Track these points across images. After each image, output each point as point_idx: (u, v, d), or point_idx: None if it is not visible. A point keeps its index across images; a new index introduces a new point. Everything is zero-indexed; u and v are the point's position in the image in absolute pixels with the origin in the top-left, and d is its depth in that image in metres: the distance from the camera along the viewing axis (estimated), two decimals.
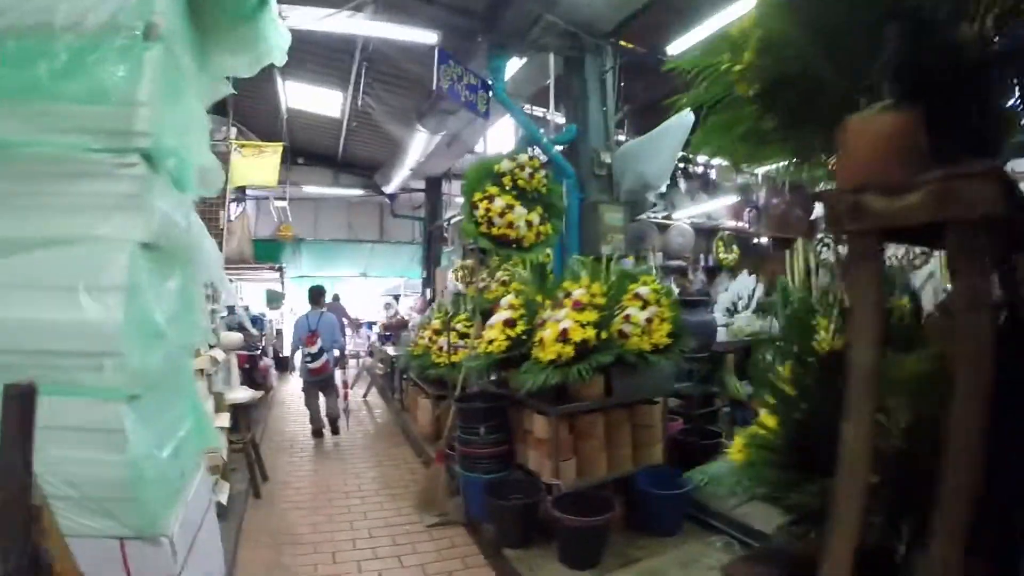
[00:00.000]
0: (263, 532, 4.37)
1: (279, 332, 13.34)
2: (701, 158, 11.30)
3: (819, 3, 1.44)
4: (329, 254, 16.03)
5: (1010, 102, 1.50)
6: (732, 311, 6.81)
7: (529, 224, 5.44)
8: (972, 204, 1.04)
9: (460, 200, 13.82)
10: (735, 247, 11.13)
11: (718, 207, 13.85)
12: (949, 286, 1.65)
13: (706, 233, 11.57)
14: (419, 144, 9.85)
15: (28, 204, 1.90)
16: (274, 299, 13.28)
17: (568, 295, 4.35)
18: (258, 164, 6.11)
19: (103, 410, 1.84)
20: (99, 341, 1.82)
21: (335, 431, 7.42)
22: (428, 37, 6.48)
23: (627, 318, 4.21)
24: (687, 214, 11.69)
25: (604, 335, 4.06)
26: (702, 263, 11.33)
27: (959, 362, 1.07)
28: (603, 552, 3.74)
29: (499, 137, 11.05)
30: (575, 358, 3.93)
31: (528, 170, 5.56)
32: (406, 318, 12.76)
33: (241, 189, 12.96)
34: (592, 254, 5.56)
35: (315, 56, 8.32)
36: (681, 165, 10.81)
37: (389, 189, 13.46)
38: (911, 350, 1.44)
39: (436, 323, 7.35)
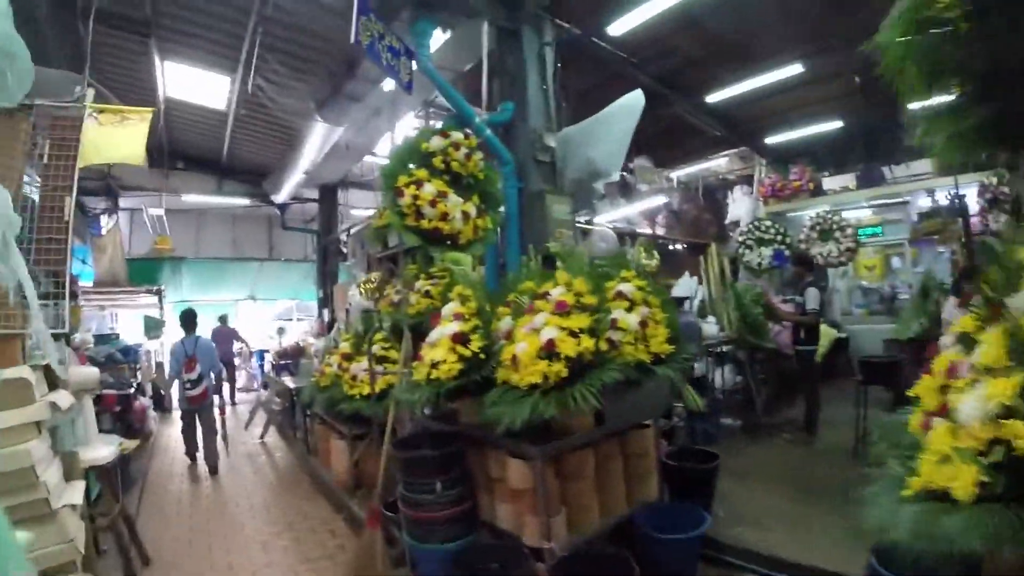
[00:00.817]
0: None
1: (159, 365, 11.41)
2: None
3: None
4: (213, 274, 14.35)
5: None
6: None
7: (466, 216, 4.48)
8: None
9: (357, 212, 12.79)
10: (655, 252, 10.58)
11: (634, 212, 13.45)
12: None
13: (628, 238, 10.95)
14: (316, 141, 8.61)
15: None
16: (153, 327, 11.46)
17: (540, 297, 3.34)
18: (120, 135, 4.70)
19: None
20: None
21: (214, 471, 6.84)
22: None
23: (613, 323, 3.25)
24: (607, 219, 11.04)
25: (602, 344, 3.08)
26: None
27: None
28: None
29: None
30: (568, 378, 2.91)
31: (464, 150, 4.58)
32: (302, 344, 11.28)
33: (112, 198, 11.18)
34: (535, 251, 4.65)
35: (201, 26, 6.97)
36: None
37: (280, 198, 12.00)
38: None
39: (345, 346, 6.12)
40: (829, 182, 11.38)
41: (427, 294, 5.58)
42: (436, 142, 4.45)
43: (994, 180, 7.54)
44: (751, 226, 9.81)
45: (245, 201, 12.89)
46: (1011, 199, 7.21)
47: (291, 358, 11.55)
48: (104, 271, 11.18)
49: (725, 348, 6.83)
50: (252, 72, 7.58)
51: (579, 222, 10.23)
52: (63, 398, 3.02)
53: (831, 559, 3.22)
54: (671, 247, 13.29)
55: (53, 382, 3.10)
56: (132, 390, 7.39)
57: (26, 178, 3.66)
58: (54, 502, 2.58)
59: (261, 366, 13.38)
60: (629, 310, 3.43)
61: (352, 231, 10.44)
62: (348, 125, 8.00)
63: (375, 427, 5.18)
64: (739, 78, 9.38)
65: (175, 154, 11.75)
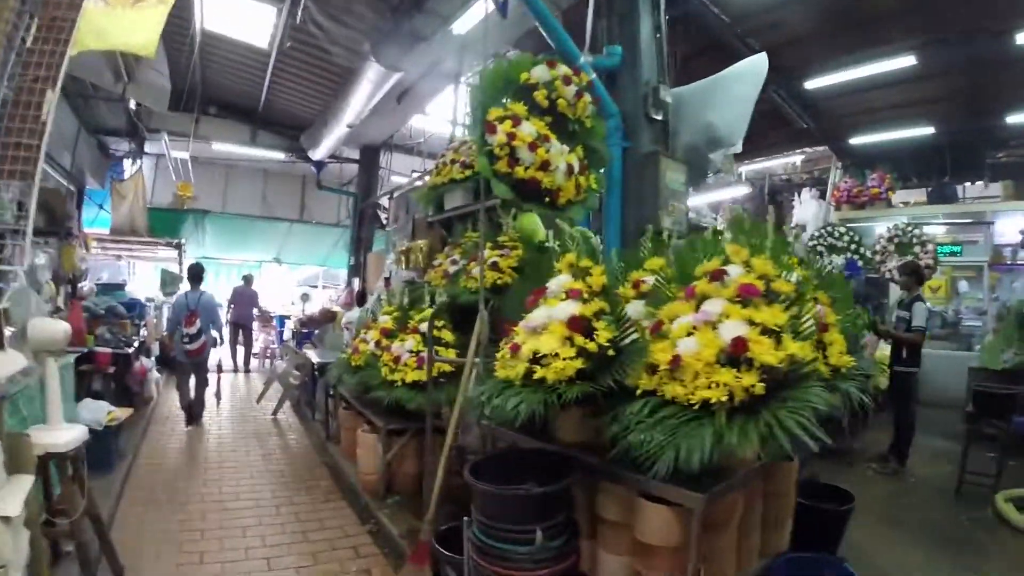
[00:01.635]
0: None
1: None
2: None
3: None
4: (239, 232, 13.42)
5: None
6: None
7: (569, 170, 3.53)
8: None
9: (398, 179, 11.83)
10: None
11: (701, 202, 12.45)
12: None
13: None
14: (365, 89, 7.64)
15: None
16: (170, 282, 10.61)
17: (716, 278, 2.38)
18: (132, 19, 3.76)
19: None
20: None
21: (190, 421, 6.88)
22: None
23: (823, 325, 2.26)
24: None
25: (804, 351, 2.11)
26: None
27: None
28: None
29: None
30: (761, 397, 1.94)
31: (573, 88, 3.58)
32: (334, 310, 10.37)
33: (139, 141, 10.30)
34: (640, 227, 3.79)
35: None
36: None
37: (317, 154, 11.04)
38: None
39: (386, 321, 5.18)
40: (897, 195, 10.40)
41: (494, 266, 4.63)
42: (540, 72, 3.50)
43: None
44: (823, 231, 8.94)
45: (280, 155, 11.94)
46: None
47: (316, 326, 10.70)
48: (122, 219, 10.44)
49: None
50: (302, 1, 6.60)
51: None
52: (13, 359, 2.08)
53: None
54: None
55: None
56: (131, 349, 6.46)
57: None
58: None
59: (280, 333, 12.48)
60: (788, 308, 2.45)
61: (396, 193, 9.45)
62: (406, 71, 7.01)
63: (418, 423, 4.23)
64: (844, 64, 8.29)
65: (208, 98, 10.84)
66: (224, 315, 10.62)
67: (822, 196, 12.04)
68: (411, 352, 4.52)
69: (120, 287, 8.67)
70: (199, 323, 6.67)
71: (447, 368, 4.41)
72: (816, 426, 1.88)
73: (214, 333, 7.13)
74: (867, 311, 6.14)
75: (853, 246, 8.79)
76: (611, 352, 2.45)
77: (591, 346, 2.42)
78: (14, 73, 2.95)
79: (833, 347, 2.61)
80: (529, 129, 3.32)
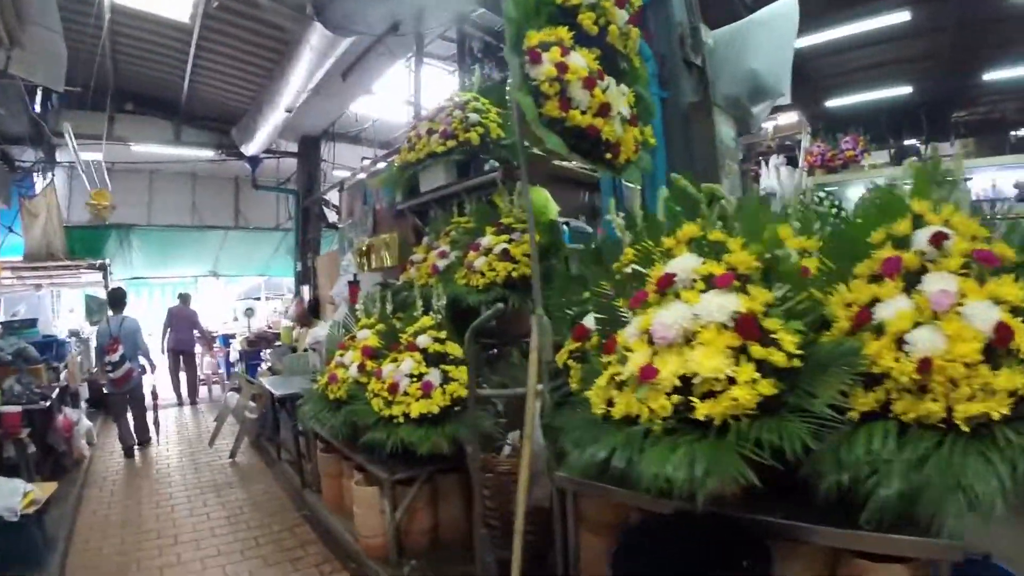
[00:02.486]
0: None
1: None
2: None
3: None
4: (169, 245, 12.11)
5: None
6: None
7: (623, 120, 2.66)
8: None
9: (341, 172, 10.70)
10: None
11: None
12: None
13: None
14: (305, 64, 6.59)
15: None
16: (96, 309, 9.60)
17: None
18: None
19: None
20: None
21: (128, 455, 6.59)
22: None
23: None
24: None
25: None
26: None
27: None
28: None
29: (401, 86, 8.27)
30: None
31: (624, 12, 2.66)
32: (285, 326, 9.23)
33: (47, 149, 8.97)
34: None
35: None
36: None
37: (251, 150, 9.80)
38: None
39: (368, 337, 4.17)
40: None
41: (505, 255, 3.65)
42: None
43: None
44: (801, 198, 8.29)
45: (209, 154, 10.64)
46: None
47: (266, 345, 9.54)
48: (37, 242, 9.14)
49: None
50: None
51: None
52: None
53: None
54: None
55: None
56: (49, 401, 5.23)
57: None
58: None
59: (227, 355, 11.16)
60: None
61: (348, 183, 8.31)
62: (355, 34, 5.93)
63: (430, 465, 3.33)
64: (837, 21, 7.73)
65: (123, 92, 9.49)
66: (161, 341, 9.56)
67: (789, 163, 11.58)
68: (412, 377, 3.51)
69: (31, 324, 7.29)
70: (122, 349, 6.51)
71: (463, 392, 3.46)
72: None
73: (143, 360, 7.04)
74: None
75: (834, 210, 8.37)
76: (796, 363, 1.62)
77: (777, 358, 1.59)
78: None
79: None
80: (580, 61, 2.38)
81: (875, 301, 1.69)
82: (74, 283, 10.98)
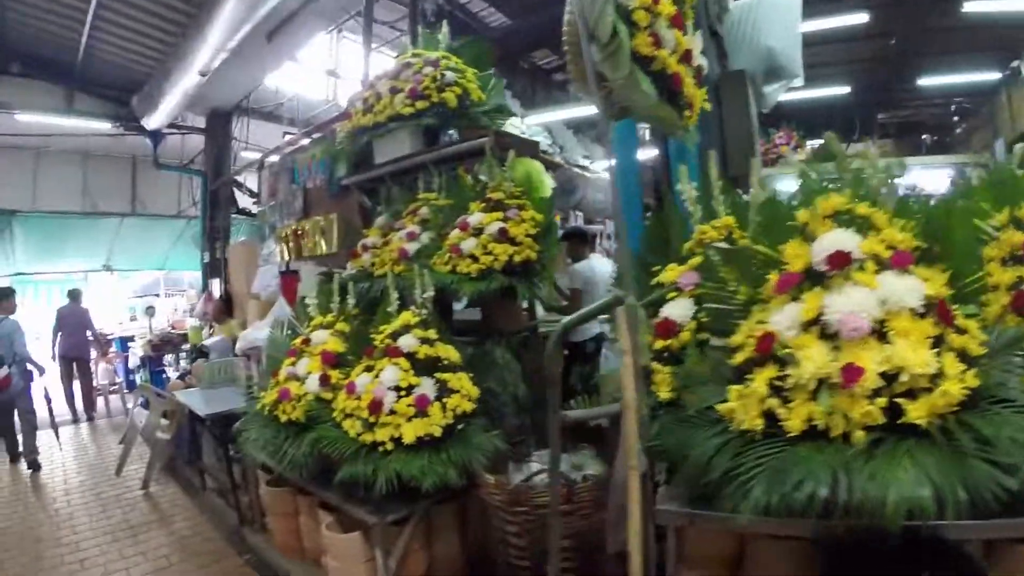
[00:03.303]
0: None
1: None
2: None
3: None
4: (56, 235, 10.64)
5: None
6: None
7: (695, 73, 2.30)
8: None
9: (249, 154, 9.59)
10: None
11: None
12: None
13: None
14: (228, 15, 5.53)
15: None
16: None
17: None
18: None
19: None
20: None
21: (31, 466, 6.03)
22: None
23: None
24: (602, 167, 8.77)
25: None
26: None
27: None
28: None
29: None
30: None
31: None
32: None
33: None
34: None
35: None
36: None
37: (154, 122, 8.51)
38: None
39: (328, 340, 3.35)
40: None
41: (503, 235, 2.99)
42: None
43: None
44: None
45: (105, 126, 9.26)
46: None
47: (172, 348, 8.58)
48: None
49: None
50: None
51: (573, 164, 7.92)
52: None
53: None
54: None
55: None
56: None
57: None
58: None
59: (125, 360, 9.79)
60: None
61: (269, 158, 7.24)
62: None
63: (424, 499, 2.63)
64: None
65: (8, 51, 8.19)
66: (52, 347, 8.38)
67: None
68: (399, 391, 2.74)
69: None
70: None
71: (467, 407, 2.76)
72: None
73: (29, 367, 6.43)
74: None
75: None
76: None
77: (971, 346, 1.43)
78: None
79: None
80: None
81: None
82: None
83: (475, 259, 3.11)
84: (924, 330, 1.39)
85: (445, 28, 4.33)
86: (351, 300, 3.50)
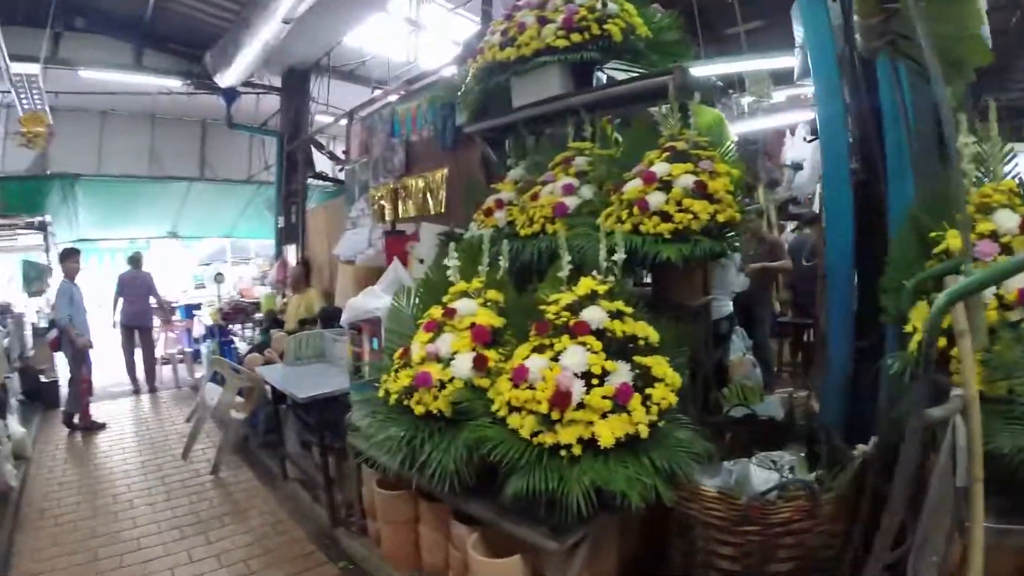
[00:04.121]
0: None
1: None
2: None
3: None
4: (120, 200, 10.22)
5: None
6: None
7: None
8: None
9: (324, 118, 9.10)
10: None
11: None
12: None
13: None
14: None
15: None
16: (35, 277, 8.54)
17: None
18: None
19: None
20: None
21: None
22: None
23: None
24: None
25: None
26: None
27: None
28: None
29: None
30: None
31: None
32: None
33: None
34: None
35: None
36: None
37: (229, 79, 7.99)
38: None
39: (478, 312, 2.68)
40: None
41: (700, 188, 2.47)
42: None
43: None
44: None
45: (176, 83, 8.77)
46: None
47: (244, 317, 8.32)
48: None
49: None
50: None
51: None
52: None
53: None
54: None
55: None
56: None
57: None
58: None
59: (188, 331, 9.37)
60: None
61: (366, 112, 6.54)
62: None
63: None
64: None
65: (71, 4, 7.66)
66: (114, 314, 7.92)
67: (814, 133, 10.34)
68: (589, 379, 2.06)
69: None
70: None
71: (672, 400, 2.12)
72: None
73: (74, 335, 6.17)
74: None
75: None
76: None
77: None
78: None
79: None
80: None
81: None
82: (8, 247, 9.53)
83: (666, 217, 2.44)
84: None
85: None
86: (503, 264, 2.82)
